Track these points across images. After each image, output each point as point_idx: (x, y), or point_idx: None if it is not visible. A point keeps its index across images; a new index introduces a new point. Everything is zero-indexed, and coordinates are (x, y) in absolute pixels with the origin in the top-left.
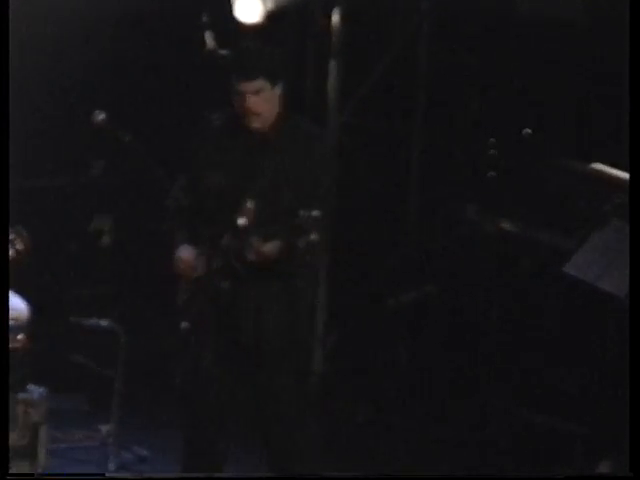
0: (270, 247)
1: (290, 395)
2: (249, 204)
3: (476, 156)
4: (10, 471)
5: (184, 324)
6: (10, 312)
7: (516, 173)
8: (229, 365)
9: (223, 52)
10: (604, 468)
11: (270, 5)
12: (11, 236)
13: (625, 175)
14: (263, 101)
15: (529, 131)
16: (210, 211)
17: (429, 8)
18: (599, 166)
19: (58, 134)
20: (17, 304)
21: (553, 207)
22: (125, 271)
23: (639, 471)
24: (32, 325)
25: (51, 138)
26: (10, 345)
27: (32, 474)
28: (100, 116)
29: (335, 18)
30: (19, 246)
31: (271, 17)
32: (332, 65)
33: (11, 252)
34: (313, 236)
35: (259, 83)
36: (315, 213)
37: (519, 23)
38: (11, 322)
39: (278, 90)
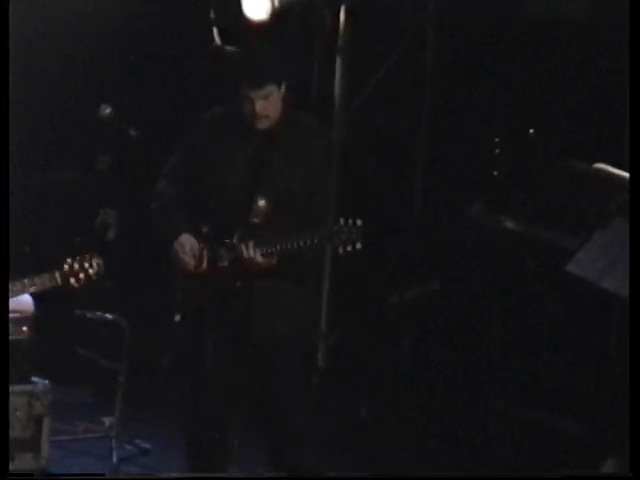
0: (262, 259)
1: (293, 387)
2: (260, 203)
3: (481, 155)
4: (14, 462)
5: (177, 316)
6: (14, 304)
7: (520, 172)
8: (229, 358)
9: (230, 48)
10: (609, 468)
11: (278, 2)
12: (86, 264)
13: (628, 175)
14: (271, 104)
15: (533, 131)
16: (214, 207)
17: (436, 7)
18: (603, 166)
19: (64, 129)
20: (21, 297)
21: (556, 206)
22: (130, 265)
23: (639, 471)
24: (36, 317)
25: (57, 133)
26: (14, 337)
27: (32, 474)
28: (106, 110)
29: (342, 15)
30: (92, 271)
31: (278, 14)
32: (339, 62)
33: (82, 276)
34: (358, 245)
35: (269, 89)
36: (359, 222)
37: (524, 23)
38: (15, 314)
39: (283, 89)
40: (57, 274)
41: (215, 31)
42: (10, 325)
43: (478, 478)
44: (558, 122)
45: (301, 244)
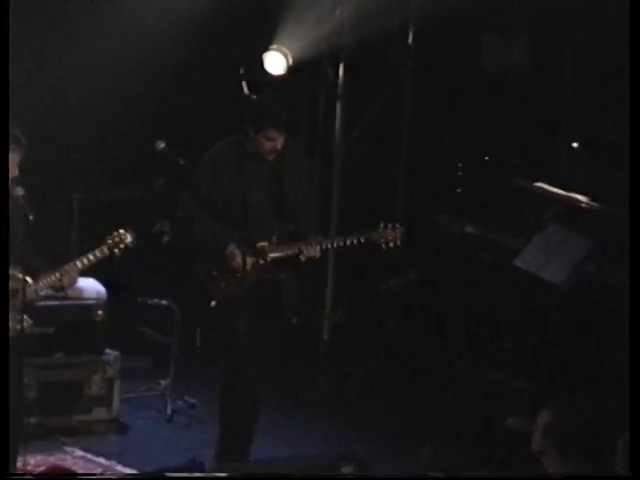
0: (314, 252)
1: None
2: (290, 211)
3: (448, 176)
4: (91, 414)
5: (213, 302)
6: (91, 293)
7: (478, 189)
8: (259, 330)
9: (254, 97)
10: (513, 422)
11: (292, 61)
12: (120, 235)
13: (560, 191)
14: (281, 142)
15: (488, 158)
16: (243, 219)
17: (413, 64)
18: (541, 184)
19: (129, 157)
20: (97, 287)
21: (506, 215)
22: (180, 262)
23: (639, 471)
24: (109, 303)
25: (124, 160)
26: (92, 318)
27: (31, 474)
28: (161, 145)
29: (341, 70)
30: (128, 239)
31: (292, 70)
32: (339, 107)
33: (122, 246)
34: (398, 242)
35: (284, 132)
36: (398, 225)
37: (482, 76)
38: (93, 301)
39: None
40: (104, 247)
41: (244, 83)
42: (89, 309)
43: (478, 477)
44: (507, 152)
45: (349, 242)
